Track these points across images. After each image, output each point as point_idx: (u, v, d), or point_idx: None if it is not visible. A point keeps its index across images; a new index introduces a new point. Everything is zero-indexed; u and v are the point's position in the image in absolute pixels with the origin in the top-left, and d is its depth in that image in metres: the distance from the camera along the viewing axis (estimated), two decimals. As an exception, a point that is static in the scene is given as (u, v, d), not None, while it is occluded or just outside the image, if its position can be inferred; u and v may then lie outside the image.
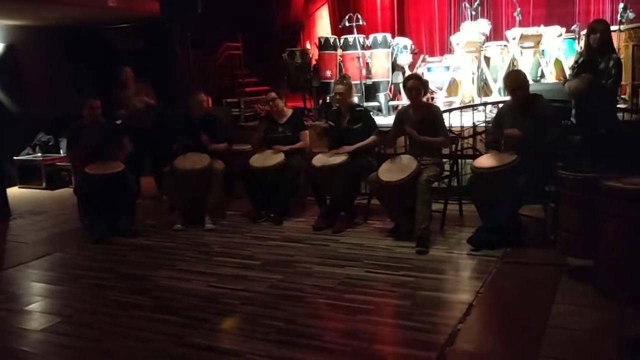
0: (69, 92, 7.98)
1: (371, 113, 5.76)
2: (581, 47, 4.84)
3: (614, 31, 6.15)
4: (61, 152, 7.74)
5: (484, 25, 7.37)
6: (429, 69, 7.77)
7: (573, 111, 4.61)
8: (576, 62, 4.68)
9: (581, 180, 3.43)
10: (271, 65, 8.35)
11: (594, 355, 2.65)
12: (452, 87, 7.52)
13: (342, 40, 7.50)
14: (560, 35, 7.12)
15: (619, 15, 6.18)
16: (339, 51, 7.55)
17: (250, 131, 6.23)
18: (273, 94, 5.47)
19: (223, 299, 3.59)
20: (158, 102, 6.45)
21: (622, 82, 6.18)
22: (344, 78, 5.31)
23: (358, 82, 7.24)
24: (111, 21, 8.29)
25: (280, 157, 5.23)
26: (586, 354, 2.66)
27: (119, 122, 6.17)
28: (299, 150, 5.41)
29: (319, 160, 4.97)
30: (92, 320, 3.41)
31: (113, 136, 5.32)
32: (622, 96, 6.28)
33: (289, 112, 5.55)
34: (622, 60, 6.00)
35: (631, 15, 6.23)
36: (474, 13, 7.56)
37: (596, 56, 4.42)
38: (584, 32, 4.77)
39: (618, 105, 5.89)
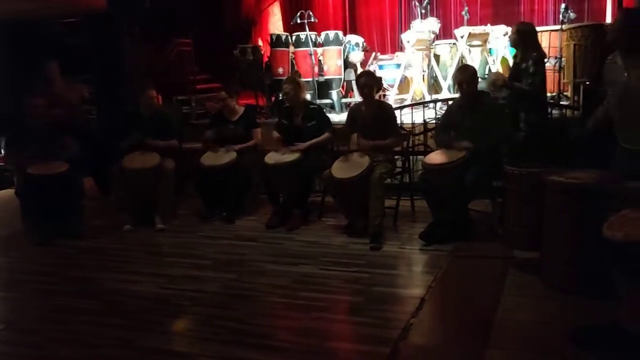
0: (10, 88, 7.63)
1: (324, 110, 5.76)
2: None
3: (556, 30, 6.37)
4: (1, 151, 7.40)
5: (433, 24, 7.49)
6: (380, 67, 7.84)
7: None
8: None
9: (526, 175, 3.53)
10: (223, 62, 8.23)
11: (539, 345, 2.72)
12: (404, 85, 7.62)
13: (294, 38, 7.47)
14: (507, 34, 7.32)
15: (561, 15, 6.39)
16: (291, 48, 7.51)
17: (202, 129, 6.12)
18: (223, 94, 5.40)
19: (174, 301, 3.52)
20: (104, 100, 6.25)
21: (564, 80, 6.44)
22: (291, 77, 5.30)
23: (310, 79, 7.24)
24: (56, 15, 7.98)
25: (232, 155, 5.17)
26: (532, 345, 2.74)
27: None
28: (252, 148, 5.36)
29: (271, 158, 4.93)
30: (37, 326, 3.28)
31: (56, 135, 5.13)
32: (565, 93, 6.51)
33: (240, 110, 5.49)
34: (564, 59, 6.26)
35: (572, 15, 6.45)
36: (423, 12, 7.66)
37: (521, 56, 4.67)
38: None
39: (562, 103, 6.12)
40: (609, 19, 7.80)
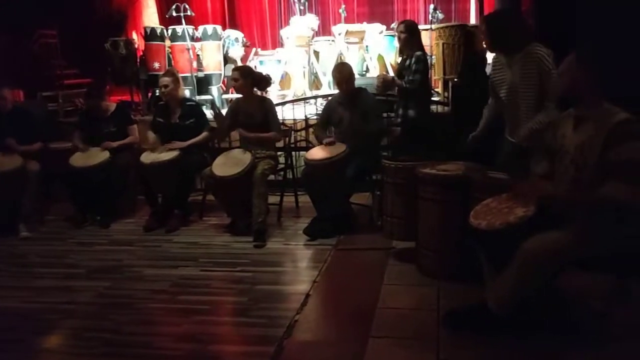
0: None
1: (203, 107, 5.62)
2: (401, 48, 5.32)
3: (426, 30, 6.71)
4: None
5: (312, 21, 7.59)
6: (261, 62, 7.80)
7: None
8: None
9: (401, 169, 3.66)
10: (93, 56, 7.73)
11: (416, 330, 2.83)
12: (285, 81, 7.64)
13: (169, 31, 7.20)
14: (382, 32, 7.60)
15: (430, 16, 6.75)
16: (167, 42, 7.24)
17: (71, 127, 5.70)
18: (90, 102, 5.07)
19: (41, 315, 3.24)
20: None
21: (435, 77, 6.80)
22: (170, 70, 5.09)
23: (189, 74, 7.02)
24: None
25: (105, 154, 4.87)
26: (410, 330, 2.84)
27: None
28: (128, 147, 5.08)
29: (148, 157, 4.70)
30: None
31: None
32: (436, 89, 6.89)
33: (112, 106, 5.18)
34: (434, 57, 6.61)
35: (440, 15, 6.85)
36: (302, 8, 7.74)
37: (406, 54, 4.89)
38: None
39: (433, 98, 6.46)
40: (473, 20, 8.36)
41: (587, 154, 2.47)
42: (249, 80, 4.65)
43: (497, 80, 3.45)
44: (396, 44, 7.53)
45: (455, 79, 6.02)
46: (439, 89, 6.81)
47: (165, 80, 4.83)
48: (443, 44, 6.43)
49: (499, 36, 3.32)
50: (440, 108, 5.96)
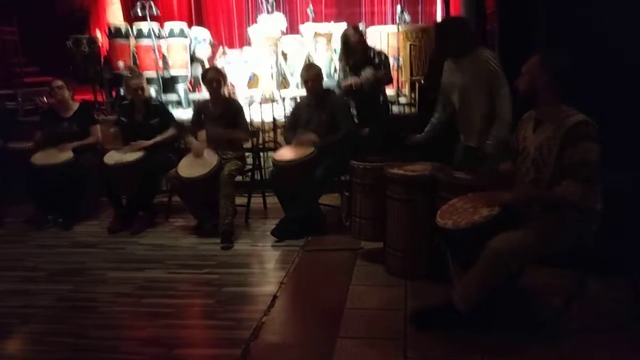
0: None
1: (169, 106, 5.54)
2: (352, 51, 4.96)
3: (394, 32, 6.77)
4: None
5: (280, 20, 7.55)
6: (228, 62, 7.71)
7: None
8: (348, 63, 4.92)
9: (369, 169, 3.68)
10: (55, 53, 7.52)
11: (384, 329, 2.85)
12: (252, 81, 7.58)
13: (135, 29, 7.06)
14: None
15: (397, 17, 6.80)
16: (132, 41, 7.10)
17: (31, 126, 5.54)
18: (60, 82, 4.95)
19: (0, 320, 3.14)
20: None
21: (402, 79, 6.86)
22: (134, 70, 5.01)
23: (155, 74, 6.90)
24: None
25: (68, 154, 4.75)
26: (378, 330, 2.85)
27: None
28: (91, 147, 4.97)
29: (111, 157, 4.60)
30: None
31: None
32: (403, 91, 6.93)
33: (75, 105, 5.06)
34: (402, 58, 6.68)
35: (407, 17, 6.90)
36: (270, 7, 7.70)
37: (367, 53, 4.87)
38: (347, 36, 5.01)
39: (400, 99, 6.53)
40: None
41: (545, 155, 2.53)
42: (223, 82, 4.67)
43: (449, 85, 3.65)
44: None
45: (422, 81, 6.08)
46: (406, 91, 6.86)
47: (138, 82, 4.75)
48: (410, 45, 6.49)
49: (445, 42, 3.54)
50: (407, 109, 6.01)
